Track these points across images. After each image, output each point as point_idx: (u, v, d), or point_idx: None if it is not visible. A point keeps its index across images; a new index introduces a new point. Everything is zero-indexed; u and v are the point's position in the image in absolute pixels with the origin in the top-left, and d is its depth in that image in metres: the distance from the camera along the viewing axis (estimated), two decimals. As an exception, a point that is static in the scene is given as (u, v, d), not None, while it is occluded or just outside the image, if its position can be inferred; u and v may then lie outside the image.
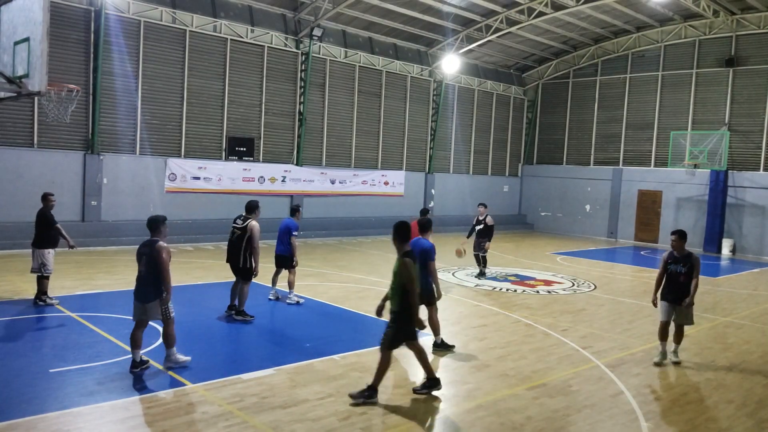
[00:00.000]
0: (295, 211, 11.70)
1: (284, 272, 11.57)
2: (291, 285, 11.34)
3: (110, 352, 7.89)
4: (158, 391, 6.63)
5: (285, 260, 11.36)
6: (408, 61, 25.55)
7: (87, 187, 17.69)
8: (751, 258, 23.04)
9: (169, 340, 7.35)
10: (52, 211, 10.44)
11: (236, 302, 10.11)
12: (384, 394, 6.91)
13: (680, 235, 8.70)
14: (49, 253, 10.20)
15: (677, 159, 24.60)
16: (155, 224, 7.38)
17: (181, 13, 19.11)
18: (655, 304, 8.81)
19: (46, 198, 10.43)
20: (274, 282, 11.75)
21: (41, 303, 10.19)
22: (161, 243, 7.26)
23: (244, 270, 9.97)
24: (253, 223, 9.92)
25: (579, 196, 29.10)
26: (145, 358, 7.37)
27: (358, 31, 23.74)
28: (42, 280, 10.21)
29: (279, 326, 10.14)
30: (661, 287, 8.81)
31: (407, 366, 8.13)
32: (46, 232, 10.21)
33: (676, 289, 8.62)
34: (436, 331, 8.72)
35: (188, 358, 7.47)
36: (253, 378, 7.17)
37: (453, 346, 8.83)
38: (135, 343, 7.21)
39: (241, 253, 9.91)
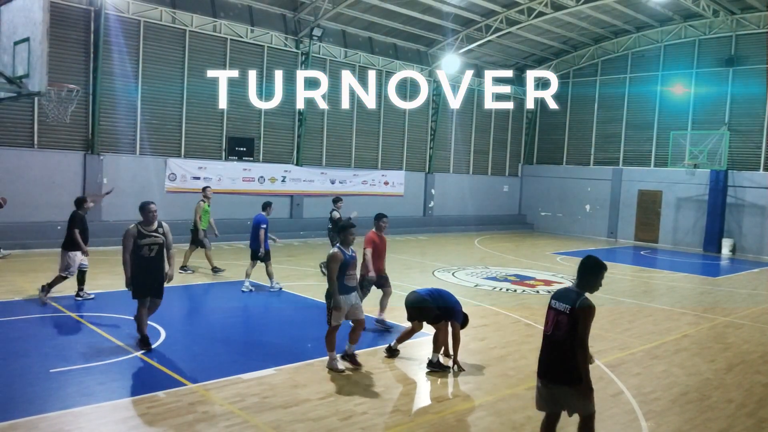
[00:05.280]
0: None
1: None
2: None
3: (111, 352, 7.90)
4: (159, 391, 6.64)
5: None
6: (408, 61, 25.54)
7: (87, 187, 17.64)
8: (751, 258, 23.03)
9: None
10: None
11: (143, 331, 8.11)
12: (384, 394, 6.92)
13: None
14: (76, 256, 10.42)
15: (677, 159, 24.58)
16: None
17: (180, 13, 19.11)
18: None
19: (79, 202, 10.75)
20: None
21: (45, 301, 10.32)
22: None
23: (160, 285, 8.16)
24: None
25: (579, 196, 29.08)
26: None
27: (358, 31, 23.74)
28: (58, 280, 10.44)
29: (279, 326, 10.14)
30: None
31: (406, 368, 8.13)
32: (72, 235, 10.39)
33: (550, 352, 4.88)
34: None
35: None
36: (253, 378, 7.18)
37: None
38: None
39: (163, 266, 8.15)
